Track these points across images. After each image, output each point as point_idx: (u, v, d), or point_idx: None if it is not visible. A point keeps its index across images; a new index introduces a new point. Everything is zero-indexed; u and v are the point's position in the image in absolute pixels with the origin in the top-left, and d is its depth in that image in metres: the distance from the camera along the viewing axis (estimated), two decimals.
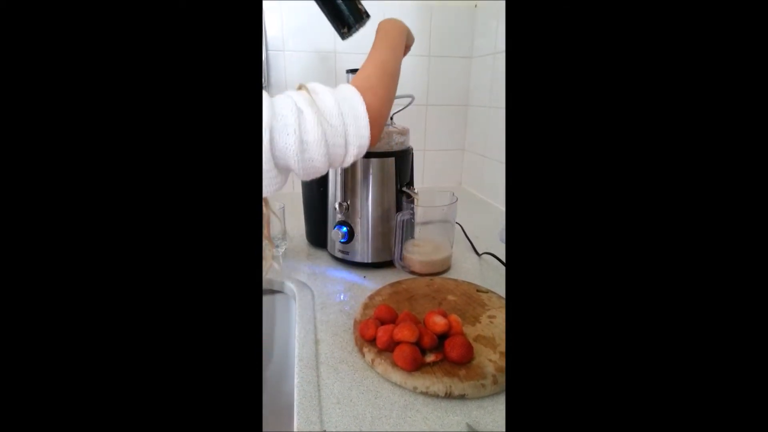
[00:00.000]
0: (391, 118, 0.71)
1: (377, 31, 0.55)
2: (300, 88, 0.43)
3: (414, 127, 0.74)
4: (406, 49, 0.58)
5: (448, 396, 0.41)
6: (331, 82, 1.07)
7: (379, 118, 0.44)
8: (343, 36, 0.62)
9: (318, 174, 0.43)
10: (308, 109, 0.39)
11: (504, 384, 0.42)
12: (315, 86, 0.42)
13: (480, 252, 0.76)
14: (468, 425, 0.38)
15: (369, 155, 0.64)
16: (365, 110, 0.42)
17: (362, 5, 0.61)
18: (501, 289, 0.60)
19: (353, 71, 0.65)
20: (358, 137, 0.42)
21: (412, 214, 0.66)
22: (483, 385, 0.41)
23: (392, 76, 0.50)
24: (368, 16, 0.61)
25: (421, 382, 0.41)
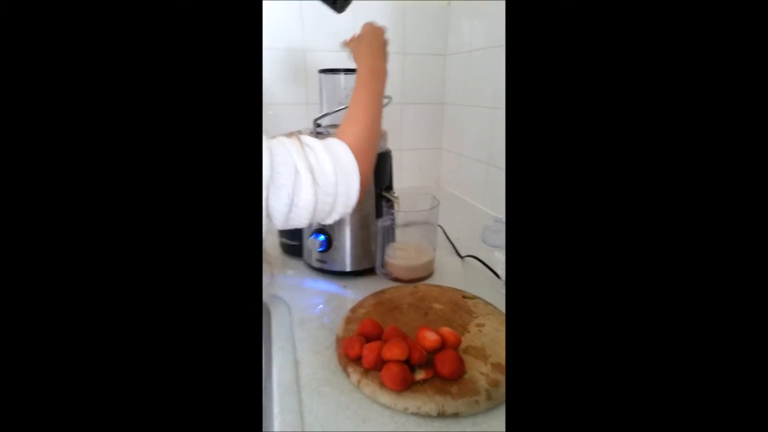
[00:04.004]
0: None
1: (362, 63, 0.51)
2: (291, 135, 0.41)
3: (390, 126, 0.71)
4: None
5: (441, 415, 0.38)
6: (301, 80, 1.03)
7: (366, 185, 0.44)
8: (338, 9, 0.57)
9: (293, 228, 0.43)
10: (306, 175, 0.38)
11: (498, 399, 0.40)
12: (311, 142, 0.41)
13: (463, 255, 0.74)
14: None
15: None
16: (358, 182, 0.42)
17: None
18: (486, 294, 0.58)
19: (327, 71, 0.61)
20: (345, 206, 0.43)
21: (393, 220, 0.64)
22: (477, 402, 0.39)
23: (378, 135, 0.48)
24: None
25: (412, 402, 0.39)
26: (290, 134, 0.41)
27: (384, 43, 0.55)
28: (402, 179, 1.21)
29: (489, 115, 0.95)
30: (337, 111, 0.60)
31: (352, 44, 0.55)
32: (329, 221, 0.43)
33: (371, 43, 0.53)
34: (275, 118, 1.04)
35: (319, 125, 0.58)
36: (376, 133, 0.48)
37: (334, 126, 0.63)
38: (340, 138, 0.44)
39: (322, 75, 0.62)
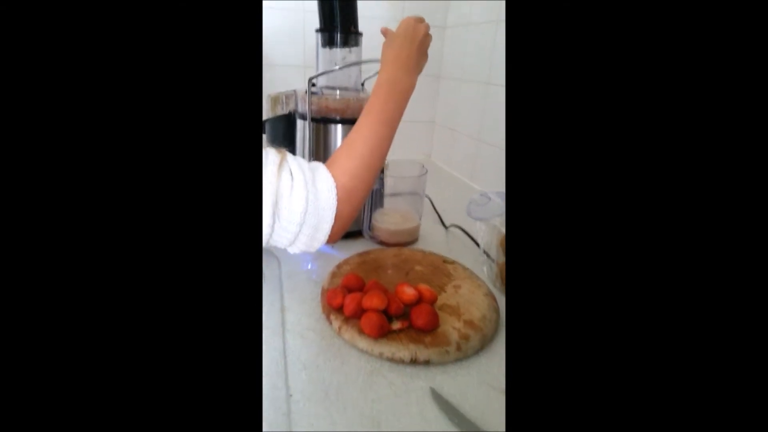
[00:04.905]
0: (363, 84, 0.68)
1: (383, 71, 0.45)
2: (280, 152, 0.37)
3: None
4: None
5: (413, 362, 0.41)
6: (298, 39, 1.03)
7: (344, 228, 0.41)
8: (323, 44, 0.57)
9: None
10: (267, 209, 0.35)
11: (467, 351, 0.43)
12: (295, 169, 0.37)
13: (447, 224, 0.77)
14: (432, 390, 0.39)
15: (338, 122, 0.62)
16: (330, 227, 0.39)
17: (356, 27, 0.55)
18: (466, 261, 0.61)
19: (321, 31, 0.62)
20: (306, 245, 0.39)
21: (382, 184, 0.66)
22: (447, 352, 0.42)
23: (378, 168, 0.43)
24: (357, 35, 0.56)
25: (387, 348, 0.42)
26: (279, 150, 0.38)
27: (419, 50, 0.47)
28: (394, 151, 1.21)
29: (483, 90, 0.96)
30: (332, 71, 0.61)
31: (385, 42, 0.48)
32: (291, 251, 0.40)
33: (401, 48, 0.46)
34: (272, 79, 1.04)
35: (314, 84, 0.59)
36: (375, 167, 0.42)
37: (329, 88, 0.64)
38: (331, 169, 0.40)
39: (320, 34, 0.62)
